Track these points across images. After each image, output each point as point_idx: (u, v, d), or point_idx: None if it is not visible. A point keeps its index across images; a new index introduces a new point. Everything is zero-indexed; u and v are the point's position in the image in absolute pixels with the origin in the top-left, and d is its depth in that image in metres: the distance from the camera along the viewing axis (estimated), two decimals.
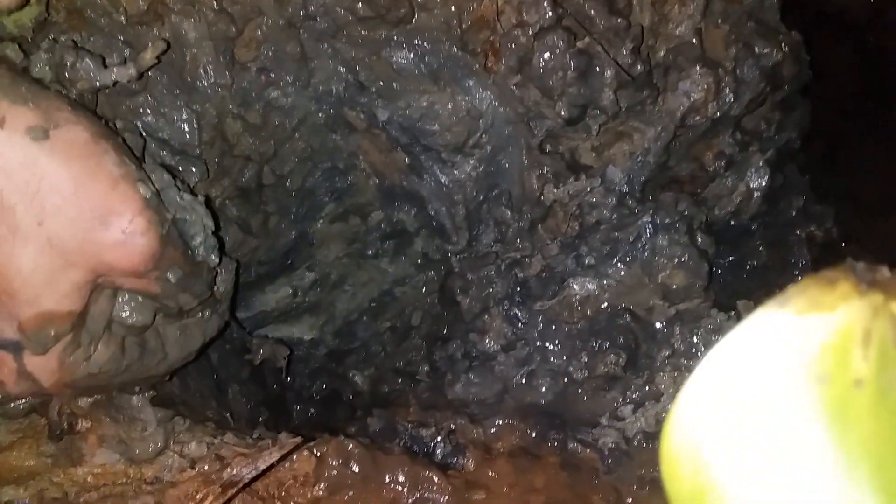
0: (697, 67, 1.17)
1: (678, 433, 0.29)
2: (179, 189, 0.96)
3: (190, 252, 0.95)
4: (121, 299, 0.92)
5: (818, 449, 0.28)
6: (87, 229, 0.82)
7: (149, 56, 0.99)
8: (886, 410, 0.28)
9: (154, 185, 0.88)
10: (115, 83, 0.98)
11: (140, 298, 0.93)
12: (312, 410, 1.41)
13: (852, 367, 0.28)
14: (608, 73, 1.14)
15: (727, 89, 1.19)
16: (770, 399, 0.28)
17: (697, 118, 1.19)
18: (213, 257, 0.99)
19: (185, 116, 1.16)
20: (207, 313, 1.04)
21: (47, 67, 0.90)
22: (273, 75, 1.19)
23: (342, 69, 1.20)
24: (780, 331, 0.29)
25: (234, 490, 0.84)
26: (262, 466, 0.85)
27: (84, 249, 0.83)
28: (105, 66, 0.96)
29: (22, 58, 0.89)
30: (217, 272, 1.02)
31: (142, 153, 0.98)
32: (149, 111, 1.13)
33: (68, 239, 0.82)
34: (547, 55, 1.11)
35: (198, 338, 1.04)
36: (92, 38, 1.05)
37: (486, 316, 1.24)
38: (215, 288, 1.03)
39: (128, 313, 0.93)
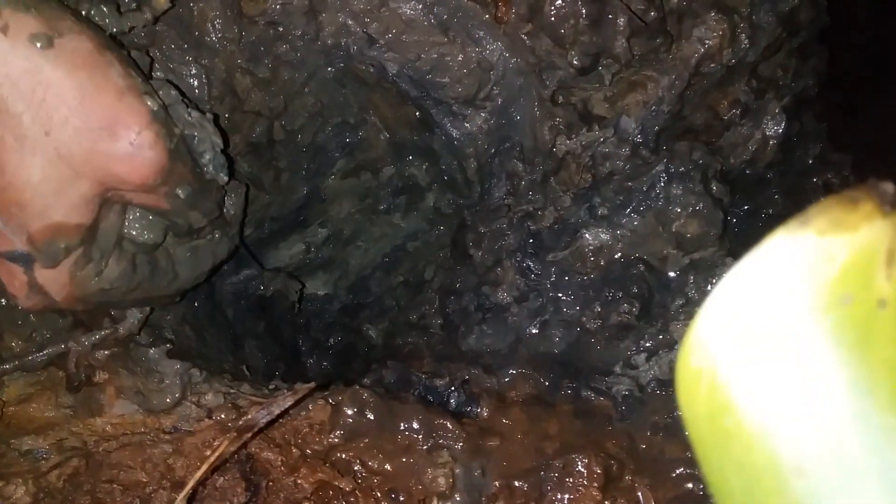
0: (712, 13, 1.15)
1: (694, 354, 0.29)
2: (187, 105, 0.95)
3: (199, 169, 0.95)
4: (131, 216, 0.92)
5: (839, 370, 0.28)
6: (95, 140, 0.82)
7: (163, 0, 0.99)
8: None
9: (161, 99, 0.88)
10: (130, 28, 0.97)
11: (150, 216, 0.93)
12: (327, 364, 1.43)
13: (875, 287, 0.28)
14: (621, 20, 1.12)
15: (743, 35, 1.17)
16: (790, 320, 0.28)
17: (712, 65, 1.18)
18: (223, 175, 0.99)
19: (193, 72, 1.15)
20: (217, 235, 1.04)
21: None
22: (281, 29, 1.17)
23: (351, 22, 1.19)
24: (800, 251, 0.28)
25: (250, 434, 0.85)
26: (277, 411, 0.86)
27: (92, 161, 0.82)
28: (120, 13, 0.95)
29: None
30: (226, 192, 1.02)
31: (148, 71, 0.98)
32: (157, 66, 1.12)
33: (76, 149, 0.81)
34: (558, 2, 1.09)
35: (208, 259, 1.05)
36: None
37: (499, 268, 1.24)
38: (225, 210, 1.03)
39: (138, 230, 0.93)
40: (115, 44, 0.88)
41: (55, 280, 0.88)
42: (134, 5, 1.00)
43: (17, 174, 0.80)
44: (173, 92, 0.94)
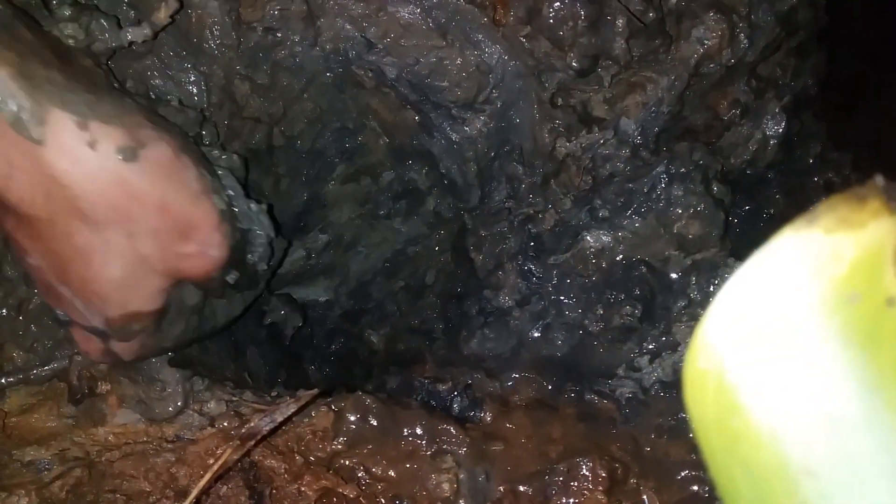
0: (711, 13, 1.15)
1: (702, 355, 0.29)
2: (249, 198, 1.03)
3: (248, 260, 1.03)
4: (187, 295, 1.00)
5: (848, 370, 0.28)
6: (170, 241, 0.89)
7: (163, 14, 0.99)
8: None
9: (227, 197, 0.95)
10: (130, 44, 0.98)
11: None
12: (329, 370, 1.42)
13: (883, 285, 0.28)
14: (619, 22, 1.12)
15: (741, 35, 1.17)
16: (798, 319, 0.28)
17: (712, 66, 1.17)
18: (264, 266, 1.08)
19: (192, 79, 1.15)
20: (248, 293, 1.12)
21: (79, 28, 0.91)
22: (280, 35, 1.17)
23: (349, 26, 1.19)
24: (807, 250, 0.28)
25: (252, 442, 0.85)
26: (280, 418, 0.86)
27: (166, 259, 0.89)
28: (120, 27, 0.96)
29: (48, 18, 0.89)
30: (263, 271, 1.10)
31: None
32: (156, 74, 1.12)
33: (153, 250, 0.88)
34: (556, 4, 1.09)
35: (239, 305, 1.11)
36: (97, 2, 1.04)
37: (500, 272, 1.24)
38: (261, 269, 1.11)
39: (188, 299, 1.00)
40: (191, 143, 0.95)
41: (128, 349, 0.95)
42: (134, 20, 1.00)
43: (101, 271, 0.87)
44: (237, 185, 1.01)
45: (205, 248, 0.91)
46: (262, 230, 1.05)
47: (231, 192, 0.99)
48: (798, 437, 0.28)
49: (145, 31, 1.00)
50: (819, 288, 0.28)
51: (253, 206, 1.03)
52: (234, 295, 1.08)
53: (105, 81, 0.91)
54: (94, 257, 0.86)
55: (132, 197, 0.84)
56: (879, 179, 0.30)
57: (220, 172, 1.00)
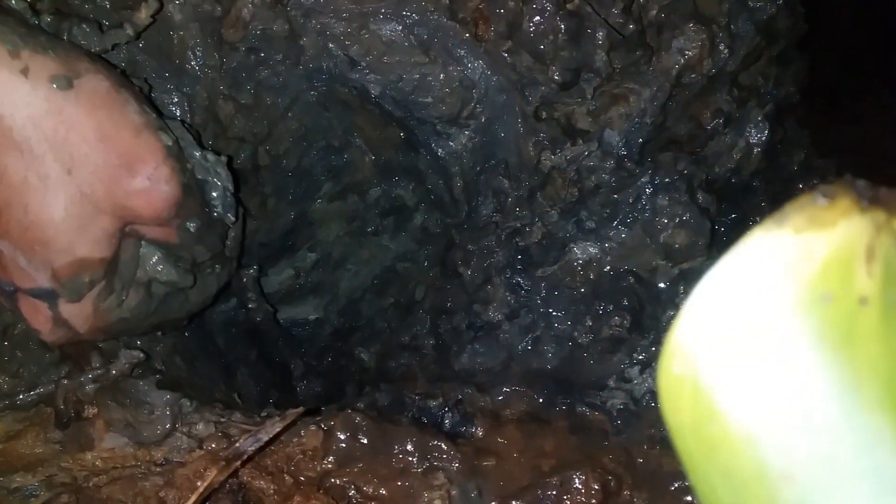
0: (691, 24, 1.16)
1: (675, 361, 0.28)
2: (203, 148, 0.98)
3: (207, 208, 0.98)
4: (150, 259, 0.96)
5: (824, 370, 0.27)
6: (114, 177, 0.84)
7: (143, 15, 1.00)
8: (894, 328, 0.28)
9: (174, 134, 0.90)
10: (113, 46, 0.98)
11: (159, 253, 0.96)
12: (320, 389, 1.41)
13: (856, 284, 0.28)
14: (600, 34, 1.12)
15: (722, 45, 1.18)
16: (771, 321, 0.28)
17: (693, 76, 1.18)
18: (230, 216, 1.02)
19: (175, 100, 1.15)
20: (219, 268, 1.07)
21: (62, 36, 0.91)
22: (262, 54, 1.18)
23: (332, 45, 1.19)
24: (778, 250, 0.28)
25: (238, 463, 0.84)
26: (265, 438, 0.85)
27: (112, 196, 0.84)
28: (102, 31, 0.96)
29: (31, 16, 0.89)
30: (230, 228, 1.06)
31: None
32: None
33: (97, 186, 0.83)
34: (536, 19, 1.10)
35: (213, 285, 1.08)
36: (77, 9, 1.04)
37: (489, 286, 1.24)
38: (227, 243, 1.06)
39: (158, 269, 0.97)
40: (129, 81, 0.92)
41: (79, 313, 0.89)
42: (116, 22, 1.00)
43: (41, 213, 0.82)
44: (187, 135, 0.97)
45: (153, 184, 0.86)
46: (219, 181, 1.00)
47: (180, 137, 0.94)
48: (776, 441, 0.27)
49: (128, 31, 1.00)
50: (791, 288, 0.28)
51: (210, 156, 1.00)
52: (204, 273, 1.04)
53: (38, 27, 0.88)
54: (33, 196, 0.81)
55: (69, 127, 0.80)
56: (849, 177, 0.30)
57: (172, 123, 0.96)
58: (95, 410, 0.97)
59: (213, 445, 0.93)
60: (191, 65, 1.13)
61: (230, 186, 1.03)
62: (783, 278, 0.28)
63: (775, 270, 0.28)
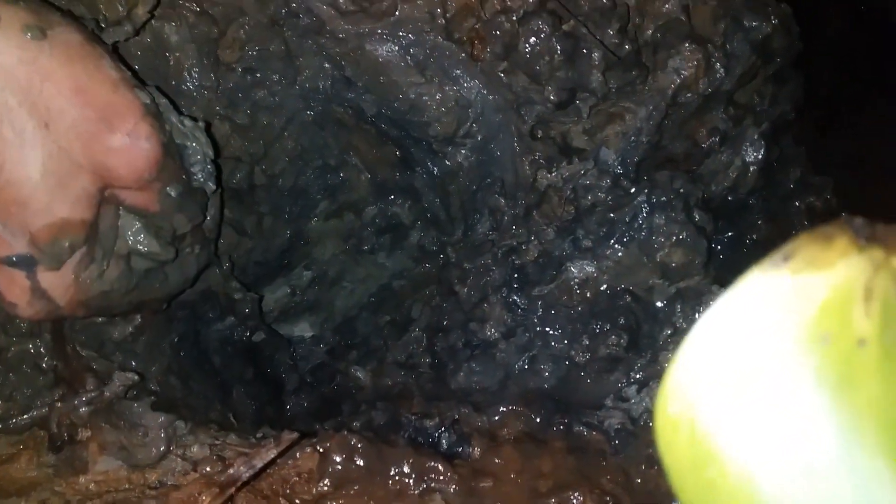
0: (686, 44, 1.16)
1: (673, 401, 0.28)
2: (181, 114, 0.96)
3: (186, 176, 0.95)
4: (129, 229, 0.93)
5: (823, 412, 0.27)
6: (93, 132, 0.80)
7: (141, 11, 0.99)
8: (893, 369, 0.27)
9: (151, 94, 0.87)
10: (114, 44, 0.97)
11: (140, 222, 0.92)
12: (315, 407, 1.41)
13: (854, 325, 0.27)
14: (595, 55, 1.13)
15: (717, 65, 1.18)
16: (770, 362, 0.27)
17: (689, 95, 1.18)
18: (211, 184, 1.00)
19: (172, 120, 1.15)
20: (198, 248, 1.05)
21: None
22: (259, 75, 1.18)
23: (328, 65, 1.19)
24: (775, 291, 0.28)
25: (233, 490, 0.83)
26: (259, 464, 0.84)
27: (90, 153, 0.81)
28: (101, 28, 0.95)
29: None
30: (209, 200, 1.02)
31: None
32: None
33: (75, 141, 0.80)
34: (532, 40, 1.10)
35: (192, 265, 1.05)
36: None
37: (486, 304, 1.24)
38: (206, 218, 1.03)
39: (138, 240, 0.94)
40: (100, 39, 0.88)
41: (59, 282, 0.85)
42: (113, 20, 0.99)
43: (17, 170, 0.78)
44: (163, 99, 0.94)
45: (133, 140, 0.82)
46: (199, 146, 0.97)
47: (156, 99, 0.90)
48: (775, 484, 0.27)
49: (126, 28, 0.99)
50: (789, 329, 0.28)
51: (187, 121, 0.96)
52: (184, 252, 1.02)
53: None
54: (9, 152, 0.77)
55: (44, 78, 0.77)
56: (847, 217, 0.30)
57: (148, 88, 0.92)
58: (89, 433, 0.97)
59: (208, 468, 0.93)
60: (187, 86, 1.13)
61: (210, 153, 0.99)
62: (781, 319, 0.27)
63: (773, 311, 0.28)
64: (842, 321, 0.27)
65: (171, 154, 0.89)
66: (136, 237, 0.94)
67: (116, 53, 0.91)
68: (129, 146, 0.83)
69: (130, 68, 0.89)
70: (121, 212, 0.91)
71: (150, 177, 0.86)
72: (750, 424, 0.27)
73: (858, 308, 0.27)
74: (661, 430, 0.28)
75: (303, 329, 1.55)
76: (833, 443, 0.27)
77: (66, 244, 0.82)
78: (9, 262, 0.81)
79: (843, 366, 0.27)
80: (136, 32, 1.03)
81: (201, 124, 0.99)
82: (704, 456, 0.27)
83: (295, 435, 0.90)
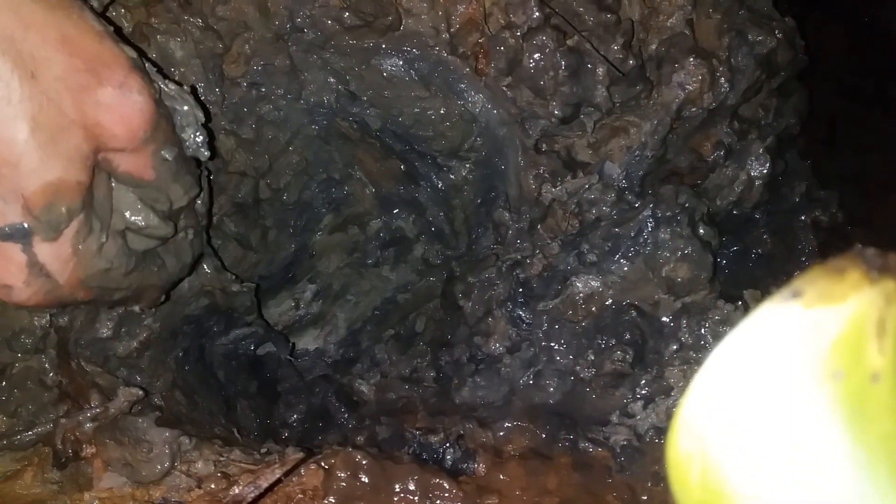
0: (691, 58, 1.16)
1: (685, 435, 0.28)
2: (165, 77, 0.90)
3: (183, 141, 0.91)
4: (124, 202, 0.87)
5: (836, 448, 0.27)
6: (82, 84, 0.75)
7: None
8: None
9: (135, 52, 0.83)
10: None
11: (136, 195, 0.87)
12: (319, 421, 1.40)
13: (867, 360, 0.27)
14: (600, 70, 1.13)
15: (722, 79, 1.18)
16: (782, 398, 0.27)
17: (693, 109, 1.18)
18: (205, 151, 0.95)
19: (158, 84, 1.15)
20: (192, 233, 1.01)
21: None
22: (264, 89, 1.18)
23: (332, 80, 1.20)
24: (788, 326, 0.28)
25: None
26: (265, 485, 0.84)
27: (81, 106, 0.76)
28: None
29: None
30: (202, 172, 0.98)
31: None
32: None
33: (64, 93, 0.74)
34: (537, 55, 1.10)
35: (187, 252, 1.01)
36: None
37: (490, 318, 1.23)
38: (197, 201, 0.99)
39: (134, 214, 0.88)
40: None
41: (58, 255, 0.79)
42: (155, 69, 0.98)
43: (5, 126, 0.72)
44: (148, 64, 0.88)
45: (124, 93, 0.77)
46: (189, 107, 0.92)
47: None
48: None
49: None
50: (802, 365, 0.27)
51: (172, 85, 0.91)
52: (178, 238, 0.98)
53: None
54: None
55: (27, 26, 0.72)
56: (859, 248, 0.29)
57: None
58: (94, 449, 0.96)
59: (213, 486, 0.92)
60: None
61: (201, 116, 0.94)
62: (794, 354, 0.27)
63: (785, 347, 0.27)
64: (855, 356, 0.27)
65: (165, 114, 0.85)
66: (131, 211, 0.88)
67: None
68: (121, 99, 0.77)
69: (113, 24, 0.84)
70: (114, 184, 0.86)
71: (145, 135, 0.81)
72: (761, 461, 0.27)
73: (871, 343, 0.27)
74: (673, 466, 0.28)
75: (306, 342, 1.55)
76: (846, 480, 0.26)
77: (63, 209, 0.76)
78: (2, 234, 0.75)
79: (857, 402, 0.27)
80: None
81: (188, 88, 0.94)
82: (716, 493, 0.27)
83: (300, 454, 0.90)
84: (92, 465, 0.96)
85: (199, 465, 0.98)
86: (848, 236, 1.47)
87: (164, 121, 0.84)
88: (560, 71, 1.09)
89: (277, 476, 0.86)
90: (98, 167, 0.81)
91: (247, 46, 1.12)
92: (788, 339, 0.27)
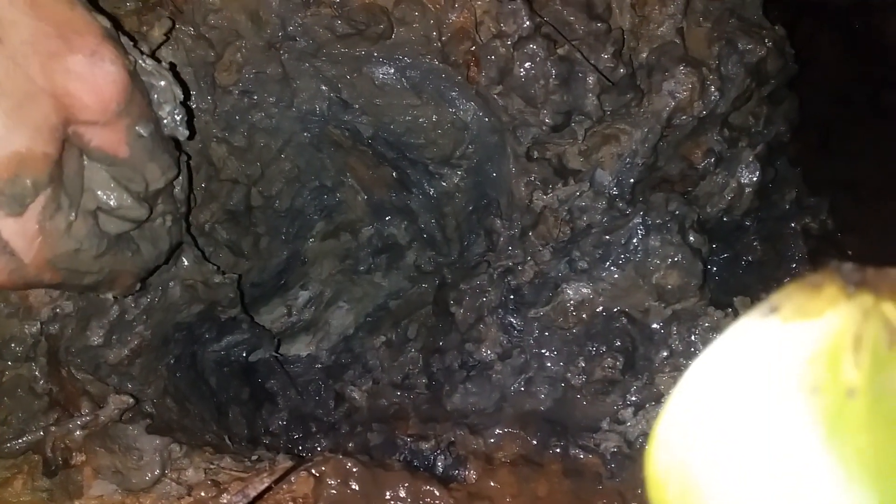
0: (681, 67, 1.17)
1: (663, 452, 0.28)
2: (143, 53, 0.87)
3: (160, 118, 0.87)
4: (96, 180, 0.83)
5: (814, 463, 0.27)
6: (52, 50, 0.72)
7: (157, 33, 0.97)
8: (882, 419, 0.27)
9: (108, 22, 0.79)
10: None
11: (108, 173, 0.83)
12: (311, 427, 1.40)
13: (843, 376, 0.28)
14: (590, 79, 1.13)
15: (712, 87, 1.19)
16: (759, 413, 0.28)
17: (684, 117, 1.19)
18: (182, 129, 0.91)
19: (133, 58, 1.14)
20: (169, 219, 0.97)
21: None
22: (256, 97, 1.18)
23: (324, 87, 1.20)
24: (765, 340, 0.28)
25: None
26: (253, 494, 0.84)
27: (50, 73, 0.72)
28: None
29: None
30: (180, 154, 0.94)
31: None
32: None
33: (32, 58, 0.71)
34: (527, 64, 1.10)
35: (164, 239, 0.97)
36: None
37: (481, 325, 1.24)
38: (176, 187, 0.96)
39: (106, 193, 0.84)
40: None
41: (23, 232, 0.74)
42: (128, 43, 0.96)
43: None
44: (124, 38, 0.85)
45: (96, 62, 0.74)
46: (166, 82, 0.88)
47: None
48: None
49: (142, 48, 0.98)
50: (779, 380, 0.28)
51: (149, 60, 0.87)
52: (154, 224, 0.95)
53: None
54: None
55: None
56: (836, 263, 0.30)
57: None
58: (83, 457, 0.96)
59: (203, 493, 0.92)
60: None
61: (179, 93, 0.90)
62: (770, 369, 0.28)
63: (762, 361, 0.28)
64: (831, 371, 0.27)
65: (139, 87, 0.81)
66: (103, 190, 0.84)
67: None
68: (93, 68, 0.74)
69: None
70: (86, 162, 0.82)
71: (118, 107, 0.77)
72: (742, 475, 0.27)
73: (848, 358, 0.28)
74: (652, 481, 0.28)
75: (299, 349, 1.55)
76: (824, 496, 0.27)
77: (29, 182, 0.72)
78: None
79: (834, 416, 0.27)
80: (152, 54, 0.97)
81: (166, 64, 0.91)
82: None
83: (289, 463, 0.90)
84: (82, 472, 0.96)
85: (190, 472, 0.98)
86: (839, 243, 1.48)
87: (138, 94, 0.80)
88: (551, 79, 1.10)
89: (266, 485, 0.86)
90: (68, 141, 0.77)
91: (239, 55, 1.13)
92: (765, 354, 0.28)
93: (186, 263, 1.14)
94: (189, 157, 1.06)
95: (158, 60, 0.90)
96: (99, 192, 0.84)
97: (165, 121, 0.89)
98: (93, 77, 0.75)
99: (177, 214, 0.99)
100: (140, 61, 0.85)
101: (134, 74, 0.79)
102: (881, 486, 0.27)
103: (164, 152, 0.88)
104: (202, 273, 1.17)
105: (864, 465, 0.27)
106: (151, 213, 0.91)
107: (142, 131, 0.82)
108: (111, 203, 0.85)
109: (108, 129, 0.79)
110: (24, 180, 0.72)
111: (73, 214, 0.80)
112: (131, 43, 0.86)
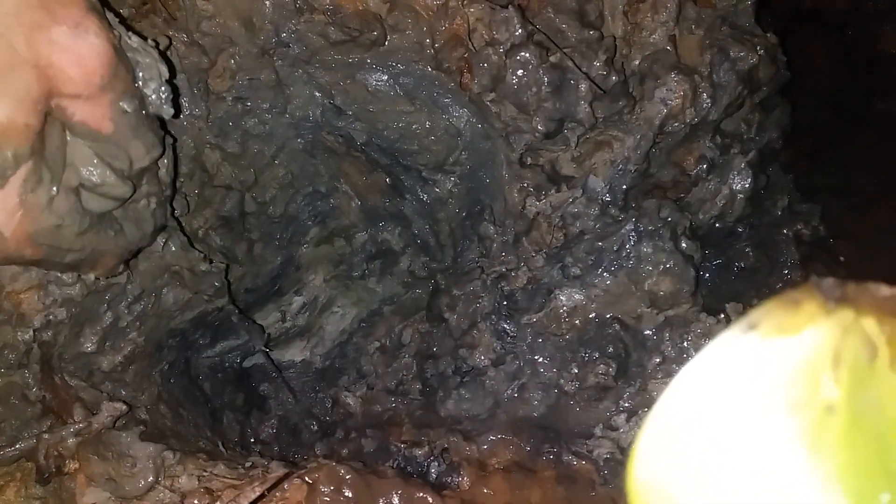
0: (673, 74, 1.17)
1: (644, 468, 0.28)
2: (127, 29, 0.86)
3: (145, 96, 0.86)
4: (79, 156, 0.82)
5: (794, 479, 0.28)
6: (36, 20, 0.71)
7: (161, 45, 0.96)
8: (862, 436, 0.28)
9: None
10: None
11: (92, 149, 0.83)
12: (304, 434, 1.40)
13: (822, 393, 0.28)
14: (583, 86, 1.14)
15: (704, 94, 1.19)
16: (741, 429, 0.28)
17: (676, 124, 1.19)
18: (169, 108, 0.90)
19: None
20: (154, 202, 0.96)
21: None
22: (249, 104, 1.18)
23: (318, 94, 1.20)
24: (744, 357, 0.28)
25: None
26: (246, 502, 0.84)
27: (34, 44, 0.71)
28: None
29: None
30: (165, 134, 0.93)
31: None
32: None
33: (15, 28, 0.70)
34: (520, 72, 1.11)
35: (148, 221, 0.96)
36: None
37: (475, 331, 1.24)
38: (161, 169, 0.95)
39: (89, 169, 0.83)
40: None
41: (3, 205, 0.74)
42: (116, 19, 0.94)
43: None
44: (109, 14, 0.84)
45: (80, 34, 0.73)
46: (151, 60, 0.87)
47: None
48: None
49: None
50: (758, 396, 0.28)
51: (134, 37, 0.86)
52: (138, 206, 0.94)
53: None
54: None
55: None
56: (816, 279, 0.30)
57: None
58: (77, 465, 0.96)
59: (196, 501, 0.92)
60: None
61: (165, 72, 0.89)
62: (750, 386, 0.28)
63: (742, 378, 0.28)
64: (810, 388, 0.28)
65: (123, 62, 0.80)
66: (86, 166, 0.83)
67: None
68: (76, 40, 0.73)
69: None
70: (69, 138, 0.81)
71: (102, 80, 0.76)
72: (722, 492, 0.27)
73: (827, 375, 0.28)
74: (633, 495, 0.29)
75: (293, 354, 1.55)
76: None
77: (9, 153, 0.71)
78: None
79: (814, 432, 0.28)
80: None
81: (152, 42, 0.90)
82: None
83: (282, 471, 0.90)
84: (75, 480, 0.96)
85: (183, 479, 0.98)
86: (831, 250, 1.49)
87: (123, 69, 0.80)
88: (543, 87, 1.10)
89: (260, 493, 0.86)
90: (51, 115, 0.77)
91: (232, 61, 1.13)
92: (745, 371, 0.28)
93: (173, 248, 1.12)
94: (175, 140, 1.04)
95: (144, 38, 0.88)
96: (81, 169, 0.83)
97: (151, 98, 0.88)
98: (76, 49, 0.74)
99: (161, 197, 0.98)
100: (125, 37, 0.84)
101: (119, 49, 0.79)
102: (861, 502, 0.27)
103: (149, 130, 0.87)
104: (188, 260, 1.15)
105: (844, 482, 0.27)
106: (135, 192, 0.90)
107: (126, 107, 0.81)
108: (94, 179, 0.84)
109: (92, 103, 0.78)
110: (4, 151, 0.71)
111: (55, 189, 0.79)
112: (116, 19, 0.85)
